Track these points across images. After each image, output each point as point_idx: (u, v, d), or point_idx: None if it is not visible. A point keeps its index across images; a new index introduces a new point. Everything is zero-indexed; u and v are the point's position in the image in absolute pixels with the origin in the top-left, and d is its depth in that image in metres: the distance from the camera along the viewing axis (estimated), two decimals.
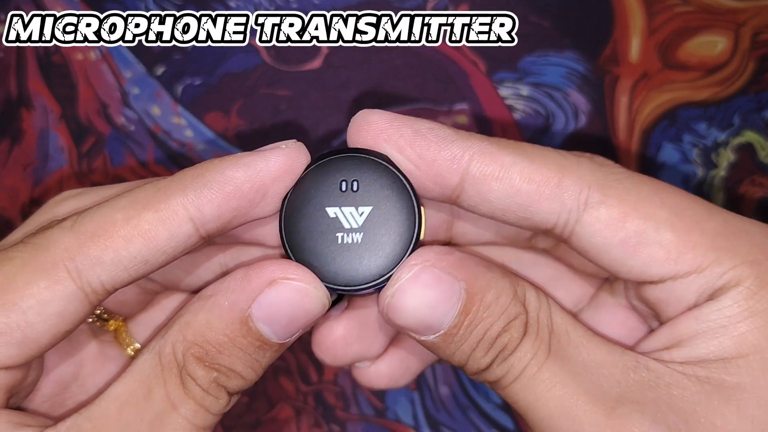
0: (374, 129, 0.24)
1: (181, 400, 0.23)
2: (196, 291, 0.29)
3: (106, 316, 0.28)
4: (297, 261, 0.24)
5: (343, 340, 0.28)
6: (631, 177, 0.23)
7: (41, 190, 0.36)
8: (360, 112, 0.24)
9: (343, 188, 0.24)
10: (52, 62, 0.35)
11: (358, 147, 0.24)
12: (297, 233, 0.25)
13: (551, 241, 0.29)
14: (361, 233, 0.24)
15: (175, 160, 0.36)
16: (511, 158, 0.23)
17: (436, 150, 0.23)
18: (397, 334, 0.30)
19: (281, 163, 0.23)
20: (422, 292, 0.23)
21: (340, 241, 0.24)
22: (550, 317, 0.24)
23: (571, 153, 0.24)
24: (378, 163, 0.24)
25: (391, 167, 0.24)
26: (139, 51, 0.35)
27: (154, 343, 0.24)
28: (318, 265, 0.24)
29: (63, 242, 0.22)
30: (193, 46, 0.35)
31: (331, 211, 0.24)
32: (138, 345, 0.29)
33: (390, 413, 0.36)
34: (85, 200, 0.27)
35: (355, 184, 0.24)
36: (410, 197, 0.24)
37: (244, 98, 0.35)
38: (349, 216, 0.24)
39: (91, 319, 0.28)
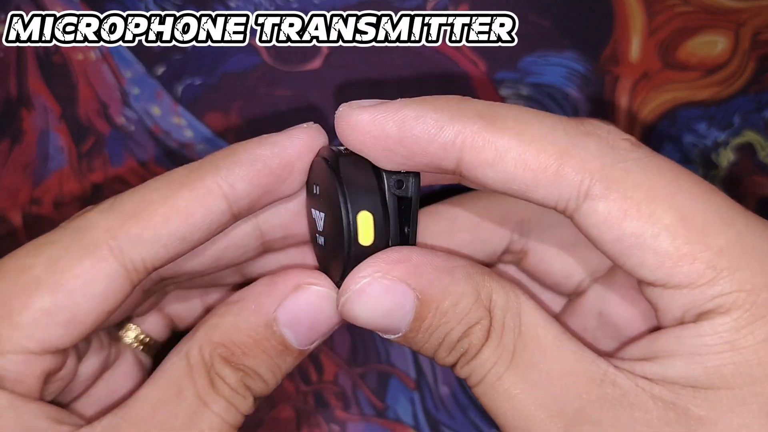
0: (359, 131, 0.23)
1: (211, 397, 0.24)
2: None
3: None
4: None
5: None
6: (644, 166, 0.21)
7: (41, 190, 0.36)
8: (340, 110, 0.23)
9: (315, 191, 0.25)
10: (52, 62, 0.35)
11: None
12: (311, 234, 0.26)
13: (516, 256, 0.29)
14: (323, 237, 0.25)
15: (175, 161, 0.36)
16: (506, 142, 0.21)
17: (426, 142, 0.22)
18: None
19: (304, 141, 0.24)
20: (371, 303, 0.23)
21: (320, 242, 0.25)
22: (519, 321, 0.23)
23: (582, 127, 0.22)
24: (330, 167, 0.24)
25: (334, 173, 0.23)
26: (139, 51, 0.35)
27: (180, 347, 0.25)
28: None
29: (103, 223, 0.23)
30: (193, 46, 0.35)
31: (313, 212, 0.25)
32: (148, 338, 0.30)
33: (390, 413, 0.36)
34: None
35: (317, 188, 0.25)
36: (345, 207, 0.23)
37: (244, 98, 0.35)
38: (318, 218, 0.25)
39: None
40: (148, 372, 0.30)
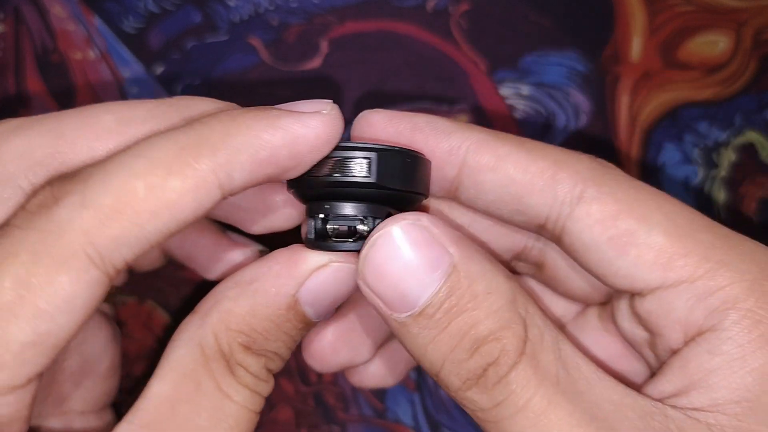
0: (374, 129, 0.24)
1: (234, 389, 0.22)
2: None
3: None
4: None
5: (331, 346, 0.28)
6: (630, 180, 0.23)
7: None
8: (361, 113, 0.24)
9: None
10: (51, 61, 0.35)
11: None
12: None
13: (532, 266, 0.27)
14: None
15: None
16: (508, 149, 0.23)
17: (434, 142, 0.23)
18: (385, 339, 0.29)
19: (321, 131, 0.21)
20: (405, 249, 0.20)
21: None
22: (558, 345, 0.21)
23: (572, 151, 0.24)
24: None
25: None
26: (138, 50, 0.35)
27: (189, 335, 0.22)
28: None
29: (78, 223, 0.19)
30: (192, 45, 0.35)
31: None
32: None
33: (390, 414, 0.36)
34: (36, 135, 0.23)
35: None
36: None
37: (244, 98, 0.35)
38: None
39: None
40: (110, 318, 0.29)
